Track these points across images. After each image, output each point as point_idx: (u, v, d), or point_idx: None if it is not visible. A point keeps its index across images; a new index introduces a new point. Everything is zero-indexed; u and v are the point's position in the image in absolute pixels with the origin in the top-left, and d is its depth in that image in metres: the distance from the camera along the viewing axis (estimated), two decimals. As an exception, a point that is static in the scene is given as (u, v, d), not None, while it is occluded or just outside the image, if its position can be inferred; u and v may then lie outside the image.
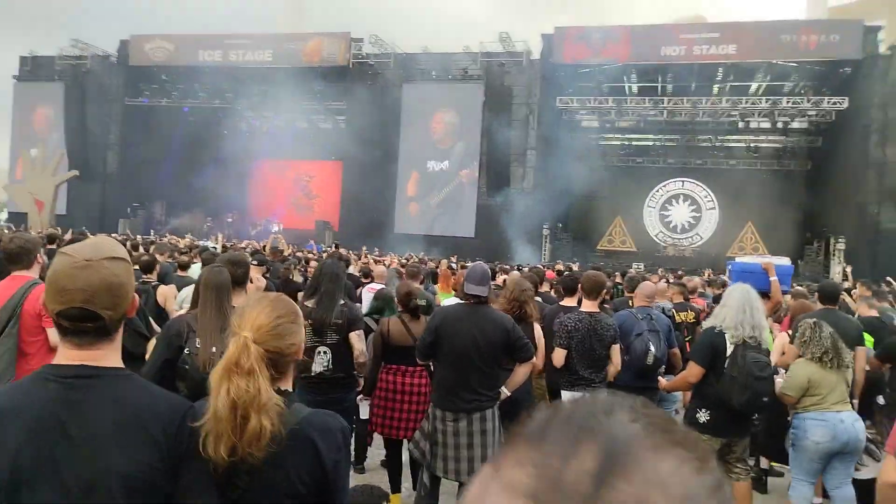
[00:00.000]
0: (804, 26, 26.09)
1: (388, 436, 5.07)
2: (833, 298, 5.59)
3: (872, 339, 5.90)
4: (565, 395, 5.11)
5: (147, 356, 3.74)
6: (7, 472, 1.39)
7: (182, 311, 4.35)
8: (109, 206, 30.13)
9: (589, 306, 5.20)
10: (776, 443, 5.36)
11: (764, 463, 6.00)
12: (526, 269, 10.78)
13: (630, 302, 6.21)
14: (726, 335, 4.50)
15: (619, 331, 5.17)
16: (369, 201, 26.97)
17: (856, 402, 5.35)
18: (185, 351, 3.26)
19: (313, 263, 7.86)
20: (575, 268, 15.47)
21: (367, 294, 7.02)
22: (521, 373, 4.26)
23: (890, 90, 22.99)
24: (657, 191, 31.82)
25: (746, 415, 4.60)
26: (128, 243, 10.50)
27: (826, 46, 23.93)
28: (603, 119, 29.73)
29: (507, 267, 13.00)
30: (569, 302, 5.98)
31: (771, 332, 5.68)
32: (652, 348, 5.28)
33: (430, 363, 4.58)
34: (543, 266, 16.50)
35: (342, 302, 4.59)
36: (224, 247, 12.17)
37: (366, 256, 13.31)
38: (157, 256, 7.30)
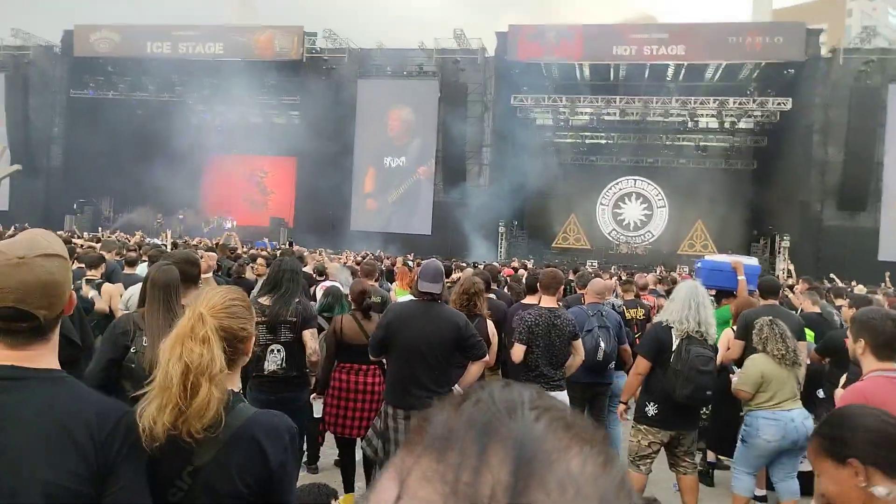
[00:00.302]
0: (750, 28, 26.87)
1: (342, 435, 5.04)
2: (774, 293, 5.76)
3: (813, 334, 6.11)
4: None
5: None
6: None
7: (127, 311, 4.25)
8: (54, 201, 29.17)
9: (548, 302, 5.23)
10: (726, 437, 5.50)
11: (711, 456, 6.15)
12: (480, 267, 10.84)
13: (582, 299, 6.30)
14: (672, 330, 4.60)
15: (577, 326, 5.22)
16: (325, 198, 26.73)
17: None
18: (132, 350, 3.18)
19: (260, 261, 7.74)
20: (529, 265, 15.63)
21: (321, 292, 6.97)
22: (473, 371, 4.27)
23: (831, 91, 23.83)
24: (610, 189, 32.37)
25: (692, 407, 4.71)
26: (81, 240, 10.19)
27: (771, 48, 24.68)
28: (557, 117, 30.09)
29: (463, 264, 13.04)
30: (530, 300, 6.06)
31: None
32: (602, 344, 5.37)
33: (384, 361, 4.57)
34: (500, 264, 16.62)
35: (297, 299, 4.55)
36: (174, 244, 11.92)
37: (320, 254, 13.18)
38: (104, 254, 7.11)
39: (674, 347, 4.57)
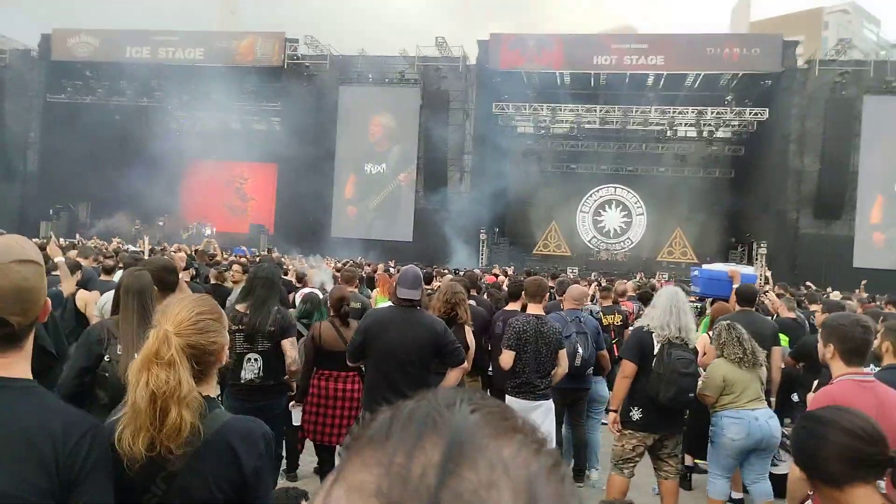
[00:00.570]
0: (727, 40, 27.30)
1: (321, 442, 5.02)
2: (750, 300, 5.84)
3: (788, 339, 6.21)
4: (510, 401, 5.14)
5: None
6: None
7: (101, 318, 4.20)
8: (30, 207, 28.75)
9: (534, 309, 5.26)
10: (701, 440, 5.57)
11: (688, 460, 6.21)
12: (461, 274, 10.86)
13: (561, 305, 6.34)
14: (653, 335, 4.66)
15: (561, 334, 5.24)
16: (306, 204, 26.62)
17: (773, 399, 5.62)
18: (106, 358, 3.14)
19: (236, 267, 7.70)
20: (510, 272, 15.68)
21: (300, 299, 6.95)
22: (452, 377, 4.28)
23: (807, 102, 24.24)
24: (590, 196, 32.59)
25: (675, 411, 4.77)
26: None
27: (748, 59, 25.06)
28: (538, 125, 30.26)
29: (444, 271, 13.06)
30: (513, 306, 6.11)
31: None
32: (580, 350, 5.41)
33: (362, 367, 4.57)
34: (482, 270, 16.65)
35: (276, 308, 4.51)
36: (152, 251, 11.80)
37: (300, 262, 13.13)
38: (81, 260, 7.02)
39: (655, 352, 4.63)
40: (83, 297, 5.62)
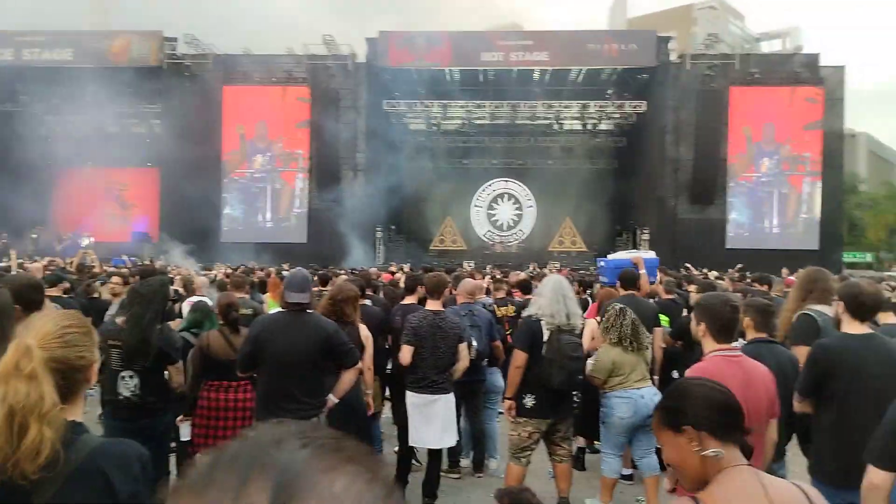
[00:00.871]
0: (607, 36, 28.57)
1: (213, 455, 4.83)
2: (632, 284, 6.13)
3: (668, 319, 6.56)
4: (409, 396, 5.16)
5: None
6: None
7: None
8: None
9: (433, 305, 5.27)
10: (594, 422, 5.79)
11: (581, 442, 6.44)
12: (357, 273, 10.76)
13: (455, 299, 6.42)
14: (542, 322, 4.79)
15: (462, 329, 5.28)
16: (192, 209, 25.48)
17: (657, 378, 5.93)
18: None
19: (116, 279, 7.27)
20: (406, 269, 15.72)
21: (188, 308, 6.65)
22: (346, 379, 4.23)
23: (680, 94, 25.70)
24: (483, 190, 33.18)
25: (566, 395, 4.93)
26: None
27: (626, 54, 26.27)
28: (429, 121, 30.46)
29: (339, 271, 12.89)
30: (410, 300, 6.11)
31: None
32: (474, 343, 5.49)
33: (254, 375, 4.43)
34: (378, 269, 16.59)
35: (158, 327, 4.23)
36: (21, 265, 10.96)
37: (187, 269, 12.58)
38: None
39: (545, 339, 4.77)
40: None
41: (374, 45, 26.93)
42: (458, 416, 5.90)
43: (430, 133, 31.62)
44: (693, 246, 23.54)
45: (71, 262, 11.45)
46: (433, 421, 5.05)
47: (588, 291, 9.15)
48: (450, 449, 5.75)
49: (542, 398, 4.78)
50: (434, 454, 5.27)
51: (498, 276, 9.64)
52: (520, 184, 32.94)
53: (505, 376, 5.58)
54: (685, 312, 6.75)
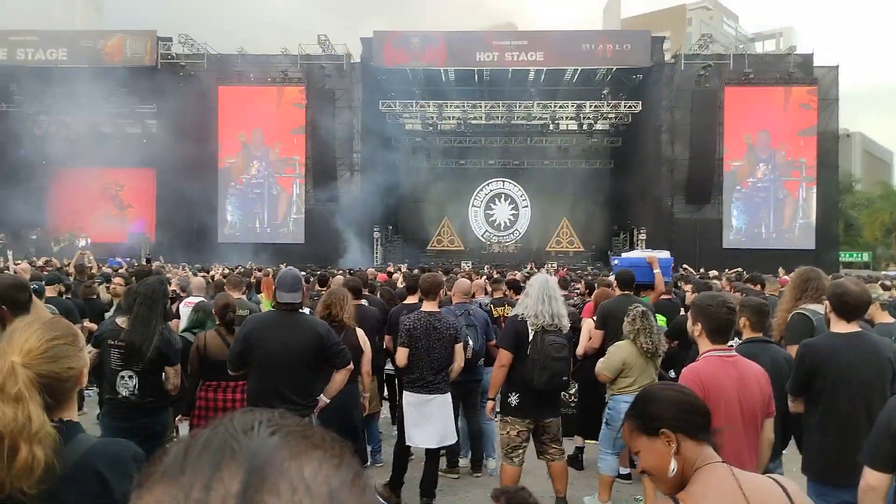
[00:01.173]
0: (601, 36, 28.60)
1: (210, 456, 4.83)
2: (629, 284, 6.13)
3: (665, 319, 6.56)
4: (406, 395, 5.16)
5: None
6: None
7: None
8: None
9: (428, 306, 5.28)
10: (592, 422, 5.80)
11: (579, 441, 6.45)
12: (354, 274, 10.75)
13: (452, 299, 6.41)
14: (528, 322, 4.79)
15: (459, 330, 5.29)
16: (190, 209, 25.46)
17: (655, 377, 5.93)
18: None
19: (118, 280, 7.27)
20: (404, 269, 15.73)
21: (185, 309, 6.64)
22: (338, 379, 4.22)
23: (675, 94, 25.76)
24: (480, 190, 33.19)
25: (551, 395, 4.93)
26: None
27: (620, 55, 26.32)
28: (425, 121, 30.47)
29: (335, 272, 12.89)
30: (411, 300, 6.13)
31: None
32: (470, 343, 5.50)
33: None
34: (376, 269, 16.58)
35: (161, 328, 4.18)
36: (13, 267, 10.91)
37: (184, 269, 12.57)
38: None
39: (530, 339, 4.77)
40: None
41: (368, 45, 26.93)
42: (456, 416, 5.91)
43: (426, 133, 31.63)
44: (689, 246, 23.60)
45: (68, 263, 11.41)
46: (429, 420, 5.05)
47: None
48: (448, 449, 5.75)
49: (527, 397, 4.79)
50: (431, 454, 5.27)
51: (495, 276, 9.64)
52: (515, 184, 32.97)
53: (503, 376, 5.57)
54: (682, 312, 6.77)
